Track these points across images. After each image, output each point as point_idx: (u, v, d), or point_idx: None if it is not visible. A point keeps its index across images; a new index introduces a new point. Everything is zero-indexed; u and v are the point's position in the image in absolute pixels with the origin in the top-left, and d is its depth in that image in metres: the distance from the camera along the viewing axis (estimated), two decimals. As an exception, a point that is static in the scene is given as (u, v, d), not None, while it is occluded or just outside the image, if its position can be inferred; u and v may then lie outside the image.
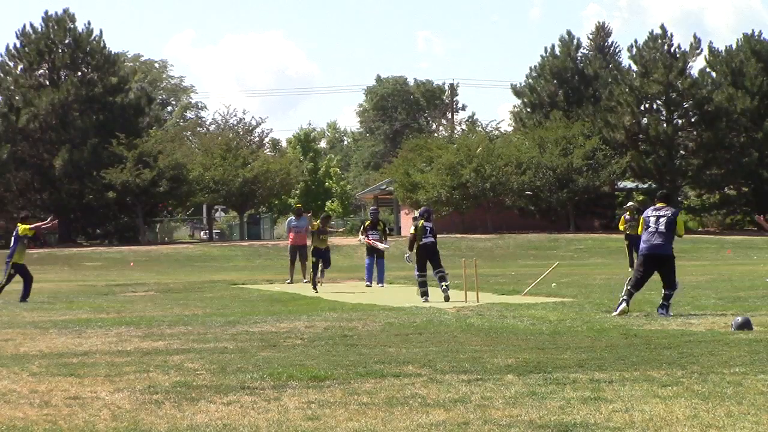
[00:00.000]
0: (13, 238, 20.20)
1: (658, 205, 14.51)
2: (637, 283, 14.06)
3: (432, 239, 18.30)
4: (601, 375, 8.16)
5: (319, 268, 21.86)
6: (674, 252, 14.21)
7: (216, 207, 67.55)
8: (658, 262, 14.08)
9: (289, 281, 24.75)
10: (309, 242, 22.89)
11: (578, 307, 14.80)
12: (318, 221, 22.46)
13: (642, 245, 14.29)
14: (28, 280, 19.71)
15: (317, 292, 20.25)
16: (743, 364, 8.66)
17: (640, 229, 14.57)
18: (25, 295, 19.41)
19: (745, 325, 11.54)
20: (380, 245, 22.97)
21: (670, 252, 14.11)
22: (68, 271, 37.57)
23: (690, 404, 6.85)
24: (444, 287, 17.74)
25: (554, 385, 7.73)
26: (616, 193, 61.15)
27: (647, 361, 8.96)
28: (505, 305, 15.41)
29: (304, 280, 24.64)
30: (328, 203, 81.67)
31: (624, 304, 13.79)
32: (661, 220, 14.11)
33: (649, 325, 12.21)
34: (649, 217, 14.31)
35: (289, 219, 26.79)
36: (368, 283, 23.04)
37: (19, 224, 20.28)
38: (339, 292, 20.68)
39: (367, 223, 23.66)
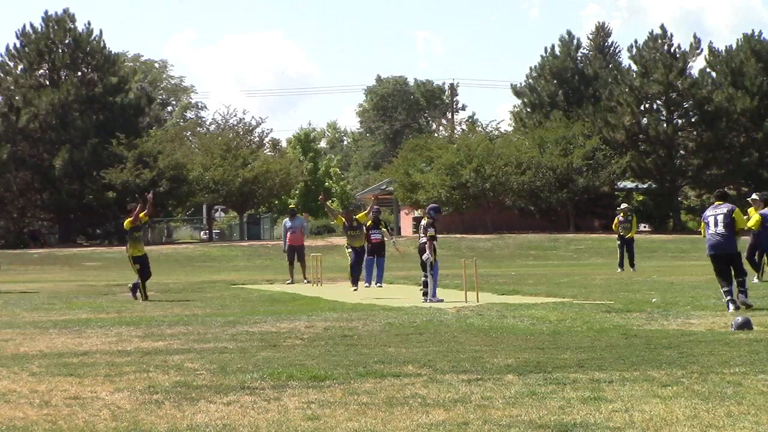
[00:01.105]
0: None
1: (716, 203, 14.85)
2: (725, 279, 14.41)
3: (422, 239, 18.25)
4: (601, 375, 8.16)
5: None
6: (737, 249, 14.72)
7: (216, 207, 67.57)
8: (726, 260, 14.50)
9: (289, 281, 24.74)
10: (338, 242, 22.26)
11: (578, 307, 14.80)
12: (342, 216, 21.14)
13: (707, 246, 14.72)
14: (144, 275, 19.42)
15: (356, 289, 19.90)
16: (743, 364, 8.65)
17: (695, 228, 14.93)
18: (134, 289, 19.30)
19: (745, 325, 11.54)
20: (394, 247, 23.13)
21: (735, 249, 14.57)
22: (68, 271, 37.58)
23: (690, 404, 6.85)
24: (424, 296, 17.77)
25: (554, 385, 7.73)
26: (616, 193, 61.17)
27: (647, 361, 8.96)
28: (505, 305, 15.40)
29: (305, 281, 24.62)
30: (328, 203, 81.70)
31: (732, 305, 14.05)
32: (719, 218, 14.50)
33: (649, 325, 12.22)
34: (708, 216, 14.70)
35: (284, 221, 26.46)
36: (367, 284, 23.00)
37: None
38: (339, 292, 20.67)
39: (368, 223, 23.63)
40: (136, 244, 19.75)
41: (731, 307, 14.05)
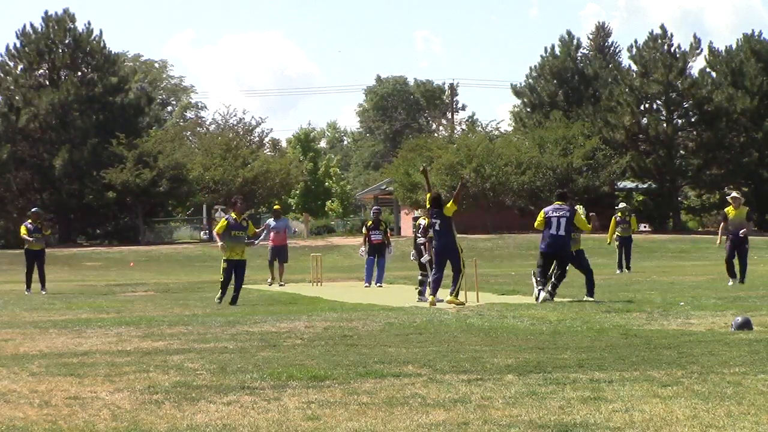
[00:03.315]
0: None
1: (557, 203, 16.28)
2: (545, 276, 16.07)
3: (420, 239, 18.27)
4: (601, 375, 8.15)
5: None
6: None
7: (216, 207, 67.55)
8: (557, 259, 16.16)
9: (270, 281, 24.49)
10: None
11: (578, 307, 14.79)
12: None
13: (545, 243, 16.12)
14: (237, 280, 17.79)
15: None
16: (743, 364, 8.65)
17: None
18: (234, 297, 17.59)
19: (745, 325, 11.53)
20: (387, 256, 23.09)
21: (569, 249, 16.25)
22: (68, 271, 37.59)
23: (690, 404, 6.85)
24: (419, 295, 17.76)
25: (554, 385, 7.72)
26: (616, 193, 61.20)
27: (647, 361, 8.95)
28: (505, 305, 15.39)
29: (280, 284, 24.28)
30: (328, 203, 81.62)
31: (542, 294, 15.80)
32: (561, 221, 15.97)
33: (649, 325, 12.21)
34: (552, 217, 16.09)
35: (267, 222, 25.96)
36: (367, 284, 23.01)
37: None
38: (339, 292, 20.67)
39: (368, 223, 23.68)
40: (232, 246, 17.76)
41: (542, 295, 15.67)
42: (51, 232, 24.68)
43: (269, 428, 6.38)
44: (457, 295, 16.36)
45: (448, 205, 16.65)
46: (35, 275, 23.30)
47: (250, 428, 6.39)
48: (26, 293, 22.34)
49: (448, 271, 16.82)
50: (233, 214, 17.87)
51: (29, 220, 23.89)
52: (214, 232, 18.24)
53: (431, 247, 17.43)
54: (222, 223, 17.91)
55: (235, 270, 17.78)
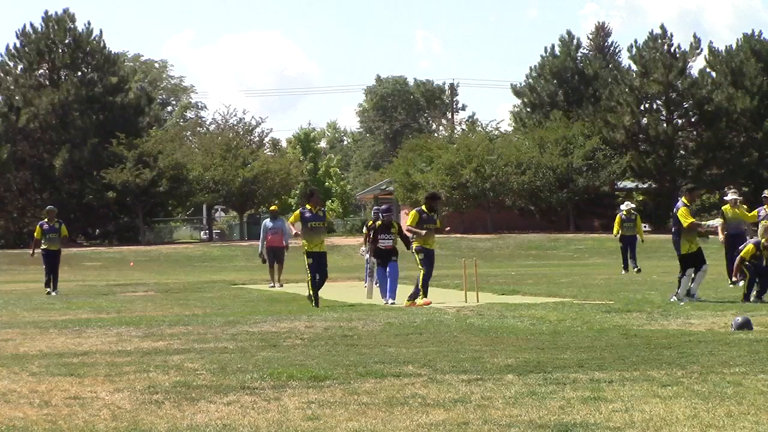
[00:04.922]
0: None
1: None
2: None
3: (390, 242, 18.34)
4: (601, 375, 8.15)
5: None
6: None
7: (216, 207, 67.55)
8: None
9: (272, 285, 23.89)
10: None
11: (578, 307, 14.79)
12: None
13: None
14: (321, 275, 16.84)
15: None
16: (743, 364, 8.65)
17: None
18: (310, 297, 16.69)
19: (745, 325, 11.53)
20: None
21: (678, 249, 16.57)
22: (68, 271, 37.55)
23: (690, 404, 6.85)
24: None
25: (554, 385, 7.72)
26: (616, 193, 61.20)
27: (647, 361, 8.96)
28: (505, 305, 15.39)
29: (279, 284, 23.92)
30: (328, 203, 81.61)
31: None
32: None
33: (649, 325, 12.21)
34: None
35: (264, 222, 25.54)
36: (366, 283, 22.96)
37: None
38: (339, 292, 20.65)
39: (369, 224, 23.62)
40: (311, 237, 16.82)
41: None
42: (67, 234, 24.03)
43: (269, 428, 6.38)
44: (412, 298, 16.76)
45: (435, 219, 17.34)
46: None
47: (250, 428, 6.39)
48: (50, 293, 21.98)
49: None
50: (308, 206, 17.19)
51: (45, 219, 23.29)
52: (287, 224, 18.01)
53: (373, 248, 18.32)
54: (295, 214, 17.26)
55: (318, 263, 16.87)
